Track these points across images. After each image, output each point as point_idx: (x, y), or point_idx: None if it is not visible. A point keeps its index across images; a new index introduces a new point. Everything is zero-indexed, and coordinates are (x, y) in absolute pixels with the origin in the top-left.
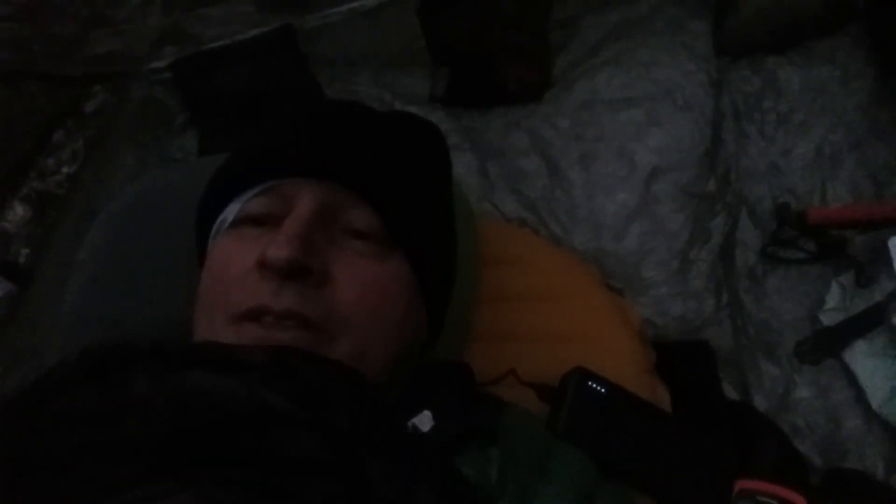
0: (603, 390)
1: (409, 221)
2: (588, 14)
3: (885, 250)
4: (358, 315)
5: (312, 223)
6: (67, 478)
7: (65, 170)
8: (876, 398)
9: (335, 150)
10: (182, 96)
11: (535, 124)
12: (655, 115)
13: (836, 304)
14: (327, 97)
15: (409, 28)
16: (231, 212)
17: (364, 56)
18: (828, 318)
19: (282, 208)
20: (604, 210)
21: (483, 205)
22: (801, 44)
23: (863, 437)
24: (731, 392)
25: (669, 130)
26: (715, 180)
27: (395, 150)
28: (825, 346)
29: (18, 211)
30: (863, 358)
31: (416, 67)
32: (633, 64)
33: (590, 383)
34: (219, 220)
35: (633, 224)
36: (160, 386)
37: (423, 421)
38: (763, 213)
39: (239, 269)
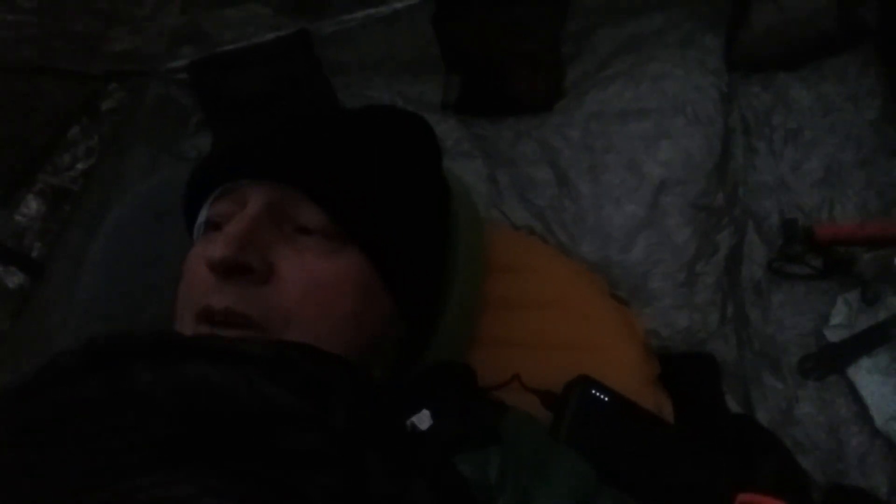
0: (606, 399)
1: (361, 215)
2: (601, 26)
3: (892, 269)
4: (302, 310)
5: (257, 222)
6: (69, 465)
7: (79, 166)
8: (880, 416)
9: (282, 150)
10: (197, 97)
11: (545, 134)
12: (665, 128)
13: (841, 320)
14: (340, 102)
15: (424, 35)
16: (202, 217)
17: (378, 62)
18: (833, 335)
19: (237, 209)
20: (611, 221)
21: (491, 212)
22: (812, 61)
23: (866, 454)
24: (734, 405)
25: (679, 144)
26: (723, 194)
27: (351, 145)
28: (830, 362)
29: (33, 205)
30: (867, 375)
31: (430, 75)
32: (645, 77)
33: (593, 392)
34: (196, 226)
35: (640, 235)
36: (162, 377)
37: (422, 419)
38: (770, 228)
39: (198, 270)
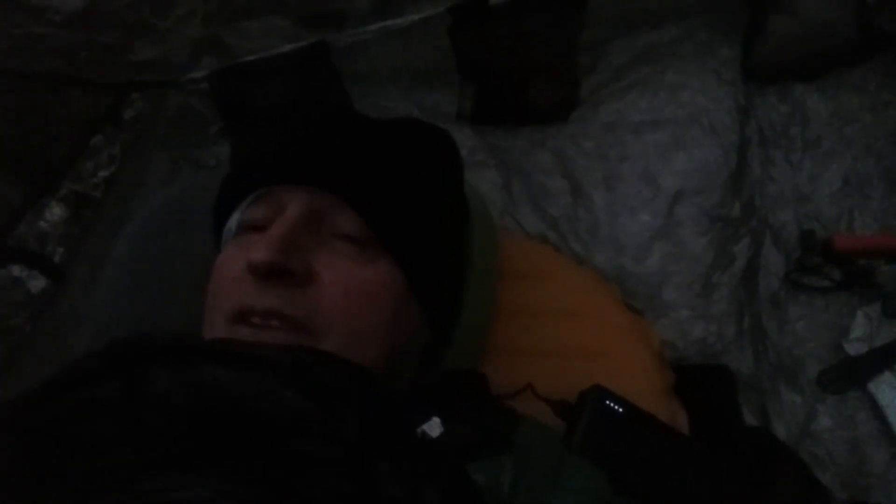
0: (621, 409)
1: (397, 225)
2: (617, 37)
3: None
4: (342, 315)
5: (297, 227)
6: (87, 466)
7: (101, 173)
8: None
9: (323, 157)
10: (217, 106)
11: (560, 144)
12: (681, 139)
13: (861, 333)
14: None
15: (440, 47)
16: (234, 220)
17: (395, 72)
18: (853, 349)
19: (274, 214)
20: (626, 230)
21: (505, 220)
22: (830, 72)
23: (888, 471)
24: (750, 418)
25: (695, 154)
26: (740, 205)
27: (386, 156)
28: (849, 375)
29: (56, 211)
30: (889, 390)
31: (445, 85)
32: (661, 87)
33: (607, 402)
34: (225, 230)
35: (655, 245)
36: (180, 380)
37: (433, 427)
38: (788, 239)
39: (233, 272)
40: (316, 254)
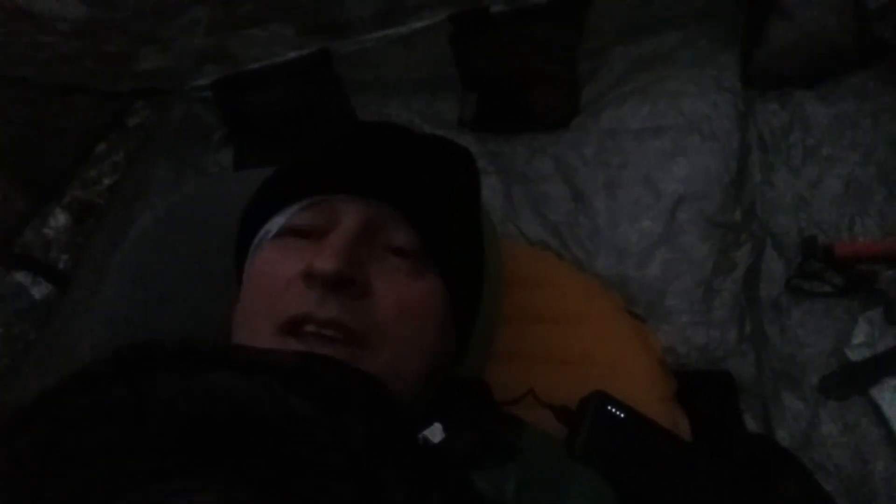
0: (622, 415)
1: (445, 241)
2: (617, 44)
3: None
4: (396, 329)
5: (357, 238)
6: (93, 471)
7: (106, 181)
8: None
9: (380, 169)
10: (220, 114)
11: (560, 151)
12: (682, 145)
13: (863, 339)
14: (360, 119)
15: (441, 54)
16: (276, 224)
17: (396, 80)
18: (855, 354)
19: (327, 222)
20: (627, 237)
21: (507, 227)
22: (829, 78)
23: (893, 478)
24: (752, 425)
25: (695, 160)
26: (740, 211)
27: (433, 171)
28: (852, 381)
29: (60, 218)
30: (892, 396)
31: (447, 92)
32: (661, 94)
33: (609, 407)
34: (262, 231)
35: (656, 252)
36: (185, 387)
37: (434, 432)
38: (789, 245)
39: (283, 278)
40: (369, 266)
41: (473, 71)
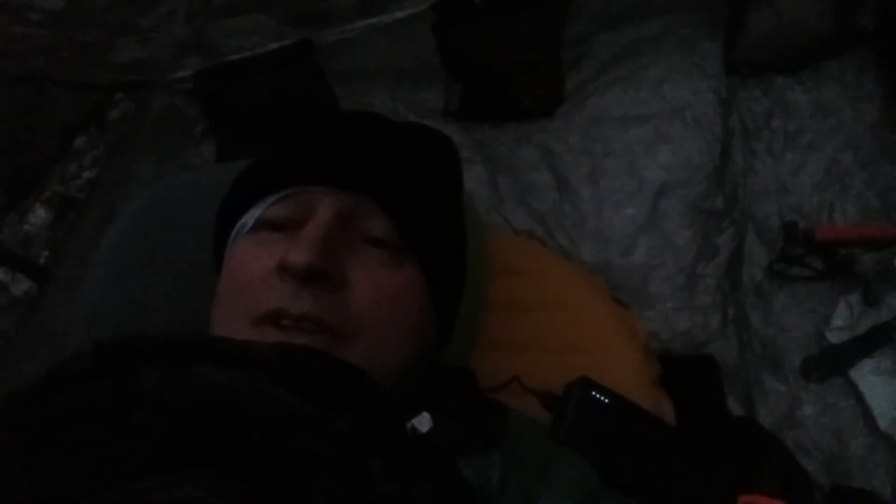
0: (606, 400)
1: (424, 231)
2: (600, 33)
3: (894, 270)
4: (372, 320)
5: (332, 229)
6: (78, 467)
7: (86, 175)
8: (884, 419)
9: (355, 159)
10: (202, 106)
11: (545, 139)
12: (665, 133)
13: (843, 322)
14: (339, 109)
15: (425, 44)
16: (251, 216)
17: (380, 70)
18: (835, 337)
19: (302, 214)
20: (612, 224)
21: (492, 216)
22: (810, 65)
23: (869, 456)
24: (735, 407)
25: (678, 147)
26: (723, 197)
27: (411, 160)
28: (832, 363)
29: (40, 213)
30: (870, 377)
31: (431, 82)
32: (644, 82)
33: (593, 393)
34: (239, 224)
35: (640, 239)
36: (170, 380)
37: (422, 422)
38: (770, 230)
39: (259, 272)
40: (346, 258)
41: (457, 60)
